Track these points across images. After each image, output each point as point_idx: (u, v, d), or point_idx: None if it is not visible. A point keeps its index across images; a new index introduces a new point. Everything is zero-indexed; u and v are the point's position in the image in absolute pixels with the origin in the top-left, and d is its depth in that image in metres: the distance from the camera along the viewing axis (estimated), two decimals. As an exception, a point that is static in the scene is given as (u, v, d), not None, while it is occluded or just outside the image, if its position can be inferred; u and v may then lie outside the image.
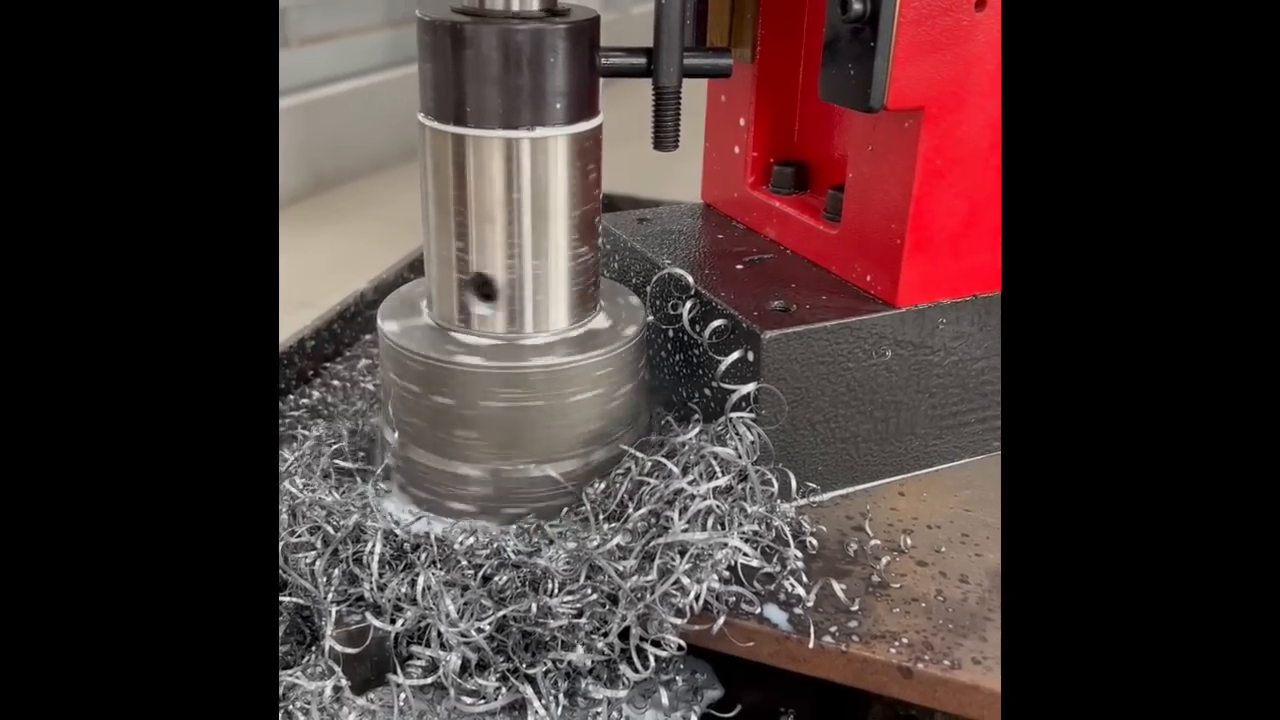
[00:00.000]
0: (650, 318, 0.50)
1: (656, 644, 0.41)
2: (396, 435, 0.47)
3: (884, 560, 0.45)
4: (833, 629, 0.41)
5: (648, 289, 0.52)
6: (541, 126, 0.42)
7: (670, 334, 0.51)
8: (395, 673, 0.42)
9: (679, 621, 0.41)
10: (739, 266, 0.52)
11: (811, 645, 0.41)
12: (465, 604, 0.42)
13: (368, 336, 0.72)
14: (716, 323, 0.47)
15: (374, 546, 0.43)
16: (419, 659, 0.42)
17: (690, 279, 0.49)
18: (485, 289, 0.45)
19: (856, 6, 0.42)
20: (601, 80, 0.44)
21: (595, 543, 0.42)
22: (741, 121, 0.56)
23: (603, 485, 0.45)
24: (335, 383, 0.67)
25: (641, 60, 0.45)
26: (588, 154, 0.44)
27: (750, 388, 0.45)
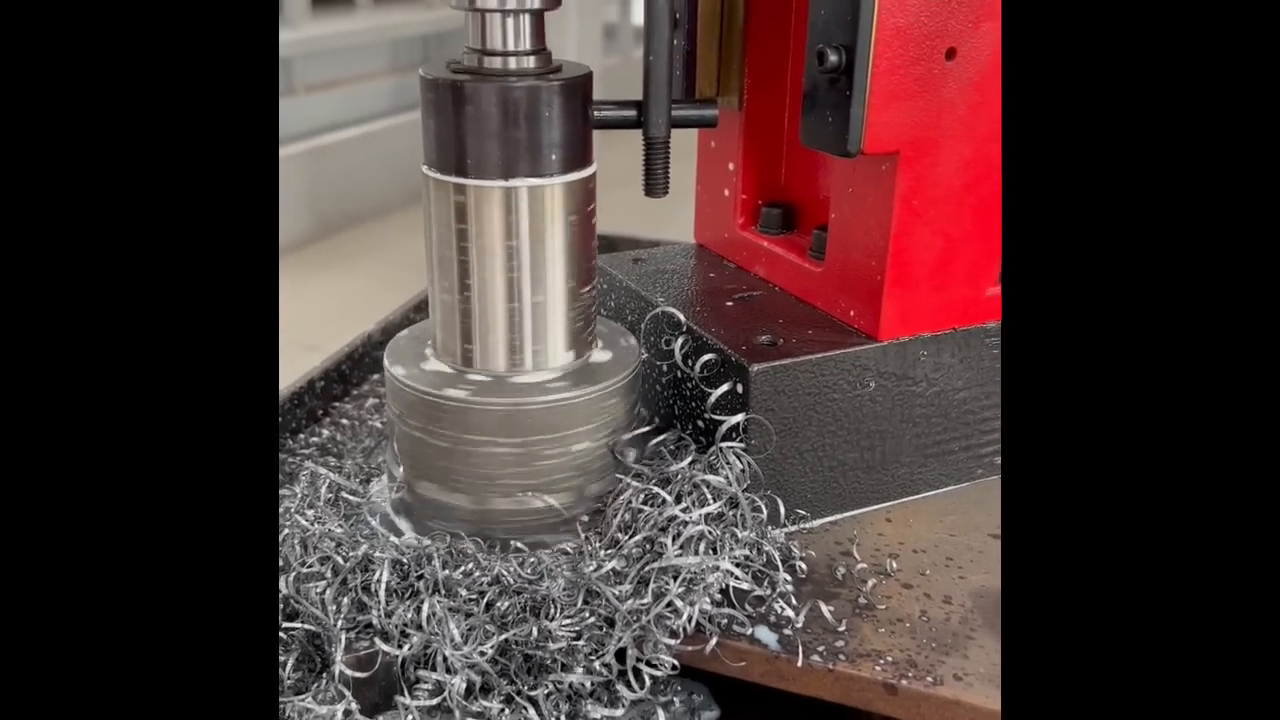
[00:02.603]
0: (645, 354, 0.52)
1: (652, 664, 0.43)
2: (402, 469, 0.49)
3: (870, 583, 0.47)
4: (820, 649, 0.43)
5: (642, 326, 0.54)
6: (538, 176, 0.45)
7: (665, 369, 0.53)
8: (403, 696, 0.44)
9: (673, 642, 0.43)
10: (729, 303, 0.55)
11: (800, 664, 0.42)
12: (469, 629, 0.44)
13: (375, 376, 0.74)
14: (706, 357, 0.50)
15: (381, 575, 0.45)
16: (425, 683, 0.44)
17: (681, 316, 0.52)
18: (462, 335, 0.47)
19: (832, 58, 0.44)
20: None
21: (592, 568, 0.44)
22: (730, 166, 0.59)
23: (600, 514, 0.47)
24: (344, 421, 0.69)
25: (632, 113, 0.47)
26: (582, 200, 0.46)
27: (739, 418, 0.47)
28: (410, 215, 3.85)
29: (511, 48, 0.45)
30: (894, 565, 0.48)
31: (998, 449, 0.55)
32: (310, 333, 2.89)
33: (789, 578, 0.46)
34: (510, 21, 0.44)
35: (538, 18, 0.45)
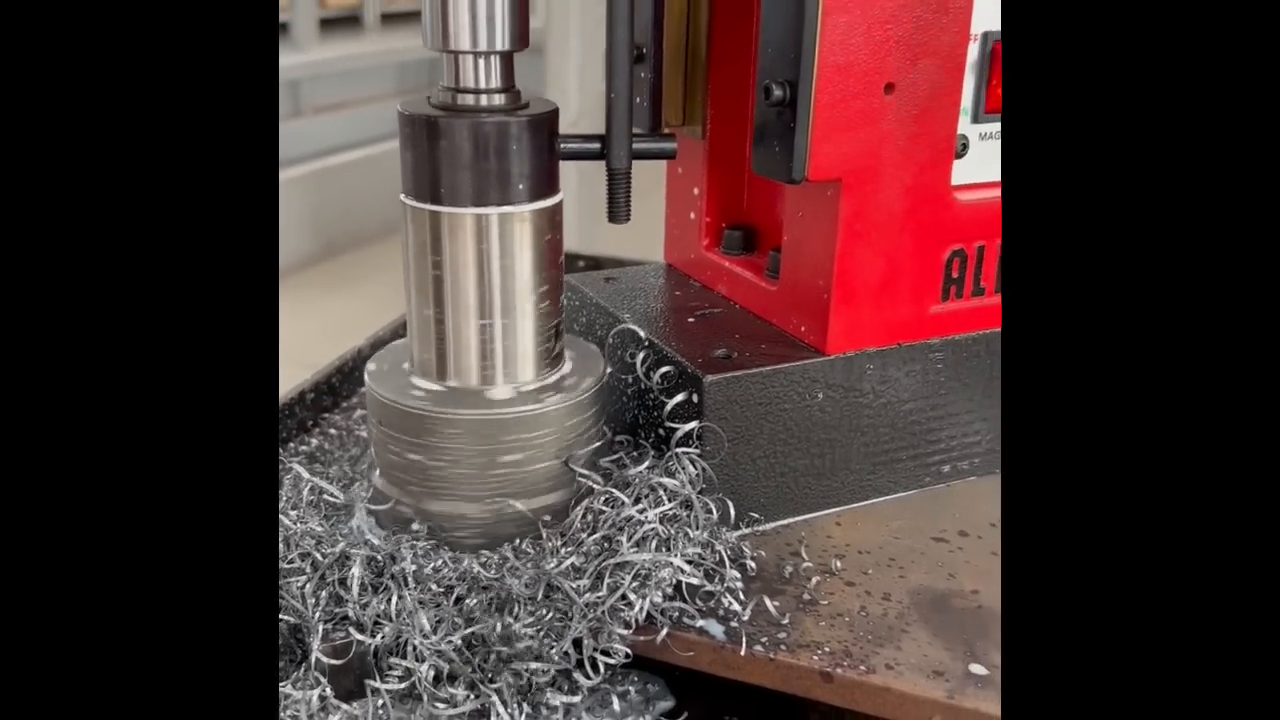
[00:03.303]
0: (610, 369, 0.56)
1: (606, 653, 0.46)
2: (378, 474, 0.53)
3: (815, 580, 0.50)
4: (764, 639, 0.46)
5: (609, 341, 0.57)
6: (507, 205, 0.49)
7: (630, 380, 0.56)
8: (374, 681, 0.47)
9: (626, 633, 0.46)
10: (690, 320, 0.58)
11: (743, 654, 0.46)
12: (439, 621, 0.47)
13: (363, 389, 0.78)
14: (664, 369, 0.53)
15: (355, 571, 0.49)
16: (396, 669, 0.47)
17: (641, 332, 0.55)
18: (437, 350, 0.51)
19: (777, 93, 0.48)
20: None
21: (553, 564, 0.47)
22: (696, 191, 0.62)
23: (564, 515, 0.51)
24: (332, 431, 0.72)
25: (596, 145, 0.51)
26: (549, 227, 0.50)
27: (692, 425, 0.51)
28: (413, 237, 3.89)
29: (483, 86, 0.48)
30: (839, 565, 0.51)
31: (945, 459, 0.58)
32: (312, 352, 2.92)
33: (738, 575, 0.50)
34: (481, 62, 0.48)
35: (507, 58, 0.48)
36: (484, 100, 0.48)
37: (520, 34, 0.48)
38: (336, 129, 4.61)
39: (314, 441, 0.70)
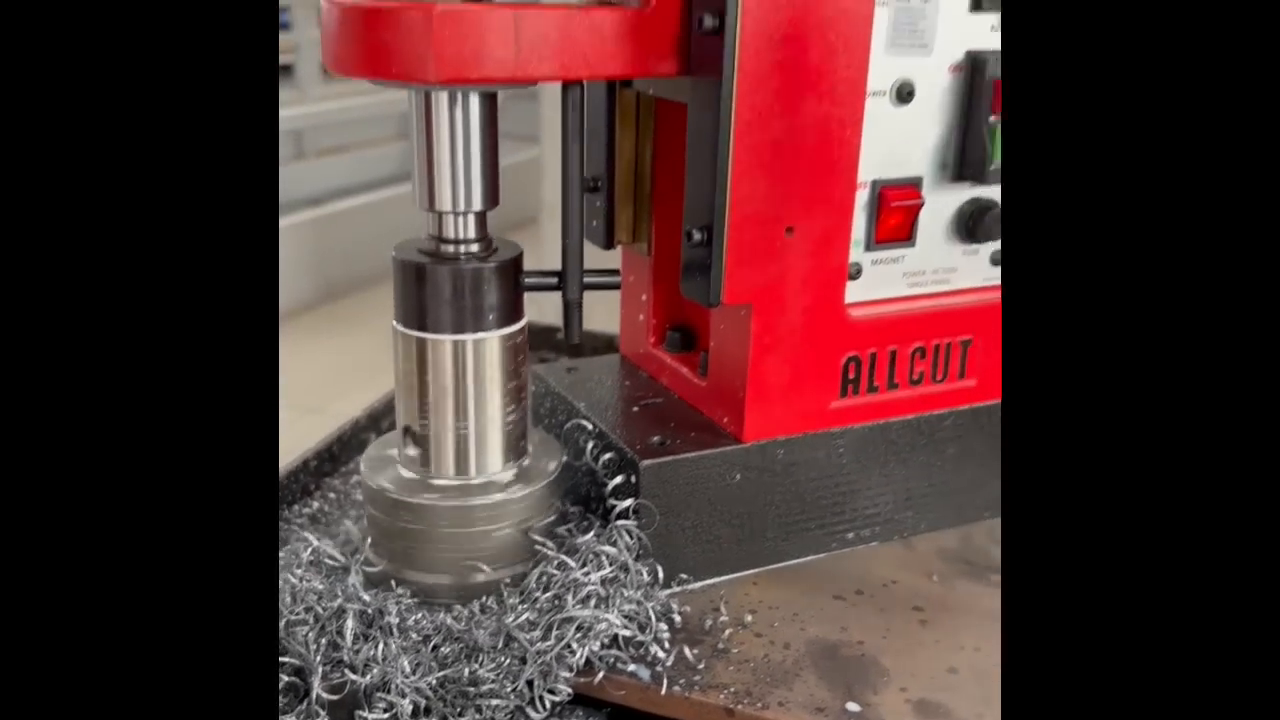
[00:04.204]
0: (565, 456, 0.67)
1: (553, 692, 0.57)
2: (369, 544, 0.64)
3: (728, 632, 0.61)
4: (681, 681, 0.57)
5: (566, 427, 0.68)
6: (481, 332, 0.60)
7: (582, 461, 0.67)
8: (364, 712, 0.57)
9: (569, 675, 0.56)
10: (635, 409, 0.69)
11: (664, 693, 0.56)
12: (417, 664, 0.57)
13: (359, 456, 0.89)
14: (608, 455, 0.64)
15: (349, 623, 0.59)
16: (381, 704, 0.57)
17: (590, 425, 0.66)
18: (412, 435, 0.62)
19: (697, 236, 0.59)
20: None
21: (511, 619, 0.58)
22: (644, 298, 0.74)
23: (523, 578, 0.61)
24: (331, 494, 0.83)
25: (553, 280, 0.62)
26: (515, 348, 0.61)
27: (629, 502, 0.62)
28: (412, 281, 3.99)
29: (461, 237, 0.60)
30: (750, 619, 0.62)
31: (849, 528, 0.69)
32: (315, 395, 3.02)
33: (665, 627, 0.60)
34: (460, 219, 0.59)
35: (481, 215, 0.60)
36: (462, 249, 0.59)
37: (491, 196, 0.59)
38: (340, 171, 4.73)
39: (315, 504, 0.81)
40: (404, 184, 4.14)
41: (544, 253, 2.59)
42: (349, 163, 4.90)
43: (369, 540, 0.64)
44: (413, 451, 0.63)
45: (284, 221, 3.97)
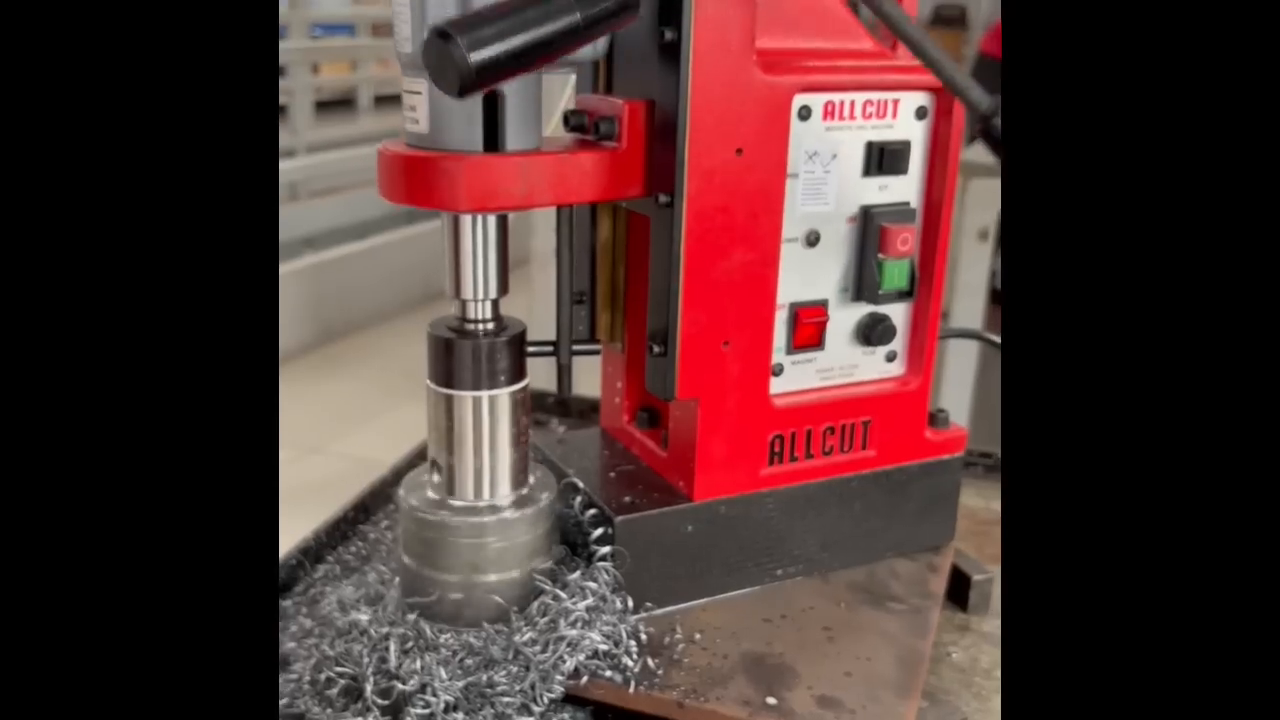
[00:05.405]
0: (557, 486, 0.86)
1: (550, 692, 0.76)
2: (407, 558, 0.82)
3: (681, 646, 0.80)
4: (645, 683, 0.76)
5: (561, 484, 0.88)
6: (495, 389, 0.79)
7: (571, 514, 0.87)
8: (408, 709, 0.76)
9: (561, 679, 0.76)
10: (612, 474, 0.89)
11: (632, 693, 0.75)
12: (448, 673, 0.77)
13: (387, 506, 1.08)
14: (591, 510, 0.84)
15: (393, 644, 0.78)
16: (419, 704, 0.76)
17: (580, 484, 0.86)
18: (438, 467, 0.81)
19: (657, 349, 0.80)
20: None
21: (519, 637, 0.77)
22: (619, 384, 0.94)
23: (526, 605, 0.81)
24: (372, 537, 1.02)
25: (550, 348, 0.82)
26: (521, 402, 0.81)
27: (607, 549, 0.81)
28: (404, 321, 4.18)
29: (480, 318, 0.79)
30: (699, 637, 0.82)
31: (778, 566, 0.89)
32: (315, 435, 3.18)
33: (634, 644, 0.79)
34: (479, 305, 0.79)
35: (494, 302, 0.79)
36: (480, 327, 0.79)
37: (503, 288, 0.79)
38: (330, 212, 4.90)
39: (354, 548, 1.00)
40: (393, 230, 4.33)
41: (534, 295, 2.79)
42: (339, 202, 5.06)
43: (405, 556, 0.83)
44: (439, 479, 0.82)
45: (282, 268, 4.14)
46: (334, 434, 3.30)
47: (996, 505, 1.14)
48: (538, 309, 2.62)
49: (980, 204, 2.55)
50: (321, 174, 4.82)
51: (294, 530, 0.98)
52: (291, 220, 4.41)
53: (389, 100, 7.87)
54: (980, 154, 2.58)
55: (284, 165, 4.58)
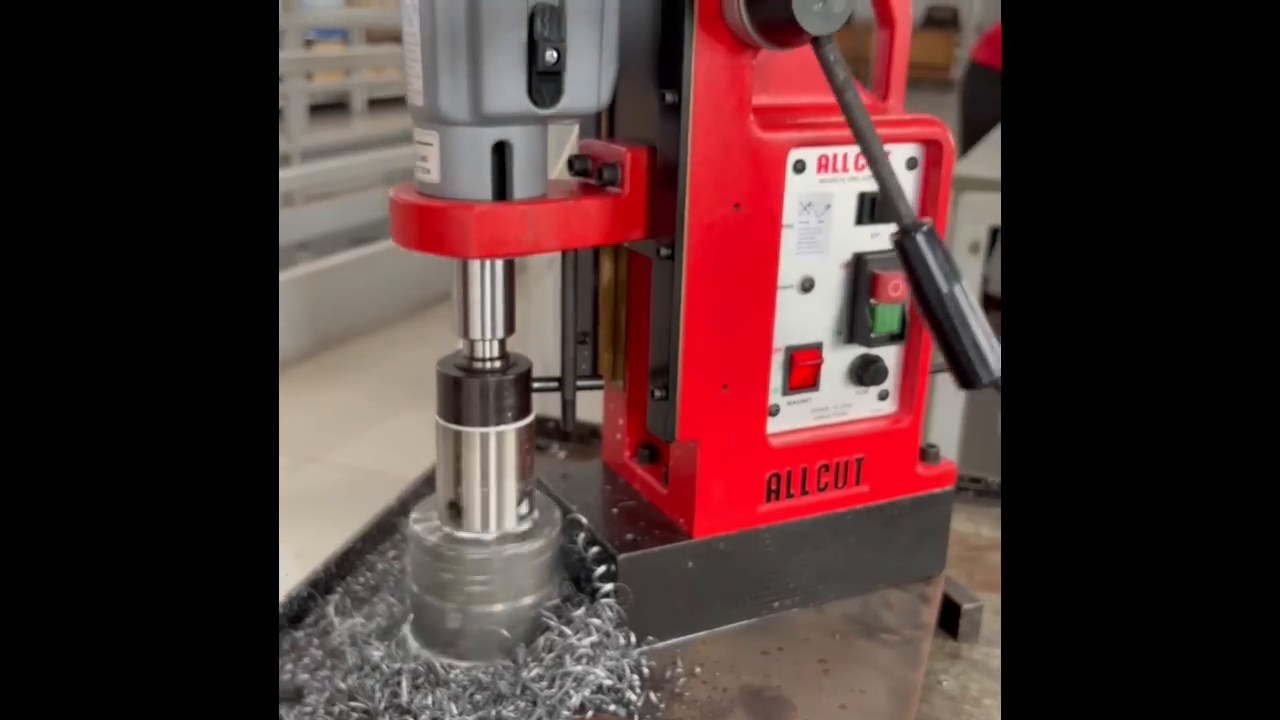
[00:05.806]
0: (563, 537, 0.89)
1: (556, 726, 0.79)
2: (416, 588, 0.85)
3: (683, 679, 0.83)
4: (648, 717, 0.79)
5: (566, 519, 0.91)
6: (501, 425, 0.82)
7: (575, 550, 0.90)
8: (420, 744, 0.79)
9: (567, 713, 0.79)
10: (614, 510, 0.92)
11: (636, 726, 0.79)
12: (458, 708, 0.80)
13: (393, 536, 1.11)
14: (594, 548, 0.87)
15: (404, 679, 0.81)
16: (432, 737, 0.79)
17: (584, 520, 0.89)
18: (455, 509, 0.84)
19: (658, 393, 0.83)
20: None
21: (526, 672, 0.80)
22: (620, 421, 0.97)
23: (533, 639, 0.84)
24: (378, 568, 1.05)
25: (554, 384, 0.85)
26: (527, 436, 0.84)
27: (610, 586, 0.84)
28: (401, 330, 4.20)
29: (487, 357, 0.82)
30: (699, 670, 0.85)
31: (775, 598, 0.92)
32: (311, 445, 3.20)
33: (636, 678, 0.83)
34: (486, 344, 0.82)
35: (501, 341, 0.82)
36: (488, 365, 0.82)
37: (509, 328, 0.82)
38: (326, 216, 4.92)
39: (362, 579, 1.03)
40: (390, 237, 4.34)
41: (530, 304, 2.82)
42: (335, 206, 5.07)
43: (414, 585, 0.85)
44: (448, 510, 0.85)
45: (280, 276, 4.16)
46: (331, 443, 3.32)
47: (987, 530, 1.17)
48: (532, 319, 2.65)
49: (971, 217, 2.59)
50: (317, 181, 4.84)
51: (293, 540, 1.00)
52: (287, 226, 4.42)
53: (382, 104, 7.87)
54: (972, 168, 2.61)
55: (280, 172, 4.60)
